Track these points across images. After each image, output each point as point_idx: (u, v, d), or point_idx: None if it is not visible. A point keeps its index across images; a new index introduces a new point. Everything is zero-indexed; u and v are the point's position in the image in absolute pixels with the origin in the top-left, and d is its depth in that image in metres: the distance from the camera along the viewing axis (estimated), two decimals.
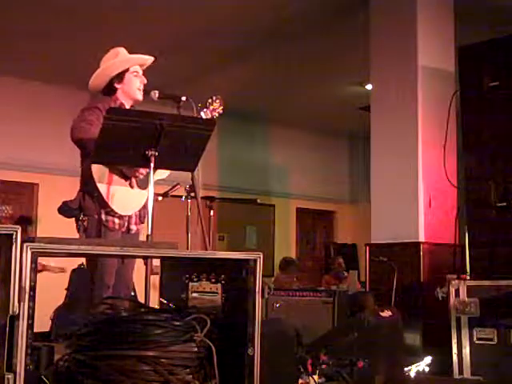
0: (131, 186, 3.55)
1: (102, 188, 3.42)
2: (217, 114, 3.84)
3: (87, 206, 3.47)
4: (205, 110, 3.77)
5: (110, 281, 3.51)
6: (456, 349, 4.15)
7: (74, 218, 3.56)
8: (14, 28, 6.57)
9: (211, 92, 3.85)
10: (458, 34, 5.61)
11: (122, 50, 3.74)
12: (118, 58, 3.69)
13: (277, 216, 10.44)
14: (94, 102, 3.66)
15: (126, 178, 3.53)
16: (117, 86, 3.68)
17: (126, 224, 3.59)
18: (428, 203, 5.29)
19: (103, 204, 3.43)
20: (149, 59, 3.76)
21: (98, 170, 3.40)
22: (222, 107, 3.84)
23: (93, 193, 3.43)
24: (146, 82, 3.73)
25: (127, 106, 3.70)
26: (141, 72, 3.73)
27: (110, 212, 3.47)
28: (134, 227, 3.63)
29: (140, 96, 3.72)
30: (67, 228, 3.67)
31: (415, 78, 5.38)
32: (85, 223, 3.50)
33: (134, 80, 3.69)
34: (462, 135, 4.75)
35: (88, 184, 3.45)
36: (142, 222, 3.60)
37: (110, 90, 3.69)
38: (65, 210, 3.52)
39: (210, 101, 3.81)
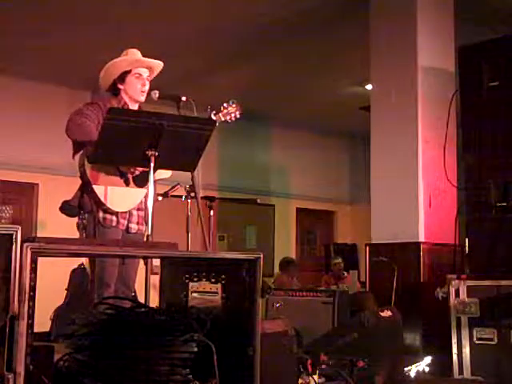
0: (126, 184, 3.56)
1: (95, 185, 3.42)
2: (233, 119, 3.84)
3: (85, 203, 3.48)
4: (215, 112, 3.77)
5: (111, 280, 3.51)
6: (456, 349, 4.14)
7: (75, 217, 3.57)
8: (14, 28, 6.57)
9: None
10: (457, 34, 5.61)
11: (132, 51, 3.74)
12: (120, 58, 3.70)
13: (277, 216, 10.44)
14: (96, 98, 3.68)
15: (122, 174, 3.53)
16: (119, 86, 3.70)
17: (126, 222, 3.59)
18: (428, 203, 5.29)
19: (97, 201, 3.44)
20: (152, 62, 3.73)
21: (90, 167, 3.41)
22: (239, 112, 3.84)
23: (88, 190, 3.44)
24: (147, 85, 3.72)
25: (131, 106, 3.71)
26: (145, 75, 3.72)
27: (107, 210, 3.48)
28: (134, 226, 3.63)
29: (142, 98, 3.72)
30: (67, 228, 3.67)
31: (415, 78, 5.37)
32: (84, 221, 3.50)
33: (135, 82, 3.69)
34: (462, 135, 4.75)
35: (84, 181, 3.46)
36: (147, 224, 3.60)
37: (114, 89, 3.71)
38: (66, 208, 3.52)
39: (225, 105, 3.82)
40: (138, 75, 3.70)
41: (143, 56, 3.75)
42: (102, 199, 3.44)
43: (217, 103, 3.88)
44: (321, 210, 11.11)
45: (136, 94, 3.70)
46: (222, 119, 3.81)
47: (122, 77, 3.69)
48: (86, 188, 3.46)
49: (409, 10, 5.48)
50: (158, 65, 3.76)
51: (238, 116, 3.85)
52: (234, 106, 3.84)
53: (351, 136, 10.77)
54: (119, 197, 3.51)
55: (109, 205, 3.46)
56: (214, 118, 3.77)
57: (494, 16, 5.85)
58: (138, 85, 3.70)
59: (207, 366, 2.39)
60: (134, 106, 3.73)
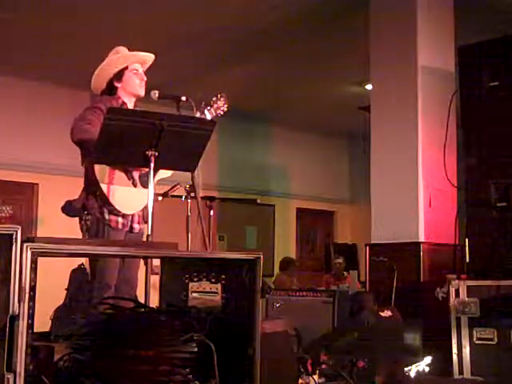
0: (134, 185, 3.56)
1: (104, 187, 3.42)
2: (221, 113, 3.85)
3: (90, 206, 3.47)
4: (209, 108, 3.78)
5: (111, 281, 3.51)
6: (456, 349, 4.14)
7: (76, 218, 3.57)
8: (14, 28, 6.57)
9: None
10: (458, 34, 5.61)
11: (122, 49, 3.75)
12: (115, 56, 3.70)
13: (277, 216, 10.44)
14: (96, 101, 3.66)
15: (129, 176, 3.53)
16: (117, 84, 3.69)
17: (130, 223, 3.59)
18: (428, 203, 5.29)
19: (106, 203, 3.43)
20: (147, 56, 3.76)
21: (99, 169, 3.41)
22: (226, 105, 3.85)
23: (96, 192, 3.44)
24: (145, 79, 3.74)
25: (129, 104, 3.71)
26: (141, 70, 3.73)
27: (113, 211, 3.47)
28: (137, 226, 3.63)
29: (141, 91, 3.72)
30: (68, 228, 3.67)
31: (415, 78, 5.38)
32: (88, 223, 3.50)
33: (133, 78, 3.70)
34: (462, 135, 4.75)
35: (90, 183, 3.46)
36: (146, 222, 3.59)
37: (111, 89, 3.70)
38: (68, 209, 3.52)
39: (214, 99, 3.83)
40: (136, 71, 3.71)
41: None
42: (111, 201, 3.43)
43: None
44: (321, 209, 11.11)
45: (135, 89, 3.70)
46: (214, 114, 3.82)
47: (119, 75, 3.68)
48: (91, 190, 3.46)
49: (409, 10, 5.48)
50: (151, 57, 3.77)
51: (225, 109, 3.86)
52: (222, 99, 3.85)
53: (351, 136, 10.77)
54: (126, 198, 3.51)
55: (117, 207, 3.46)
56: (207, 113, 3.77)
57: (494, 16, 5.85)
58: (137, 80, 3.70)
59: (207, 365, 2.39)
60: (131, 103, 3.73)
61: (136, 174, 3.58)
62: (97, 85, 3.73)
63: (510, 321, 3.97)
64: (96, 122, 3.47)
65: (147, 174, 3.46)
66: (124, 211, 3.51)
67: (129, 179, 3.54)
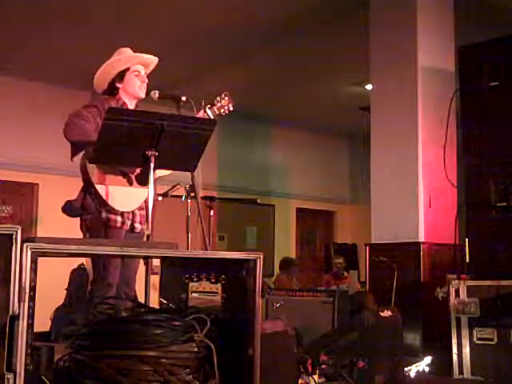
0: (130, 183, 3.55)
1: (99, 186, 3.42)
2: (227, 111, 3.85)
3: (88, 205, 3.47)
4: (209, 106, 3.78)
5: (114, 281, 3.51)
6: (456, 349, 4.15)
7: (76, 218, 3.57)
8: (14, 28, 6.57)
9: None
10: (457, 34, 5.62)
11: (126, 50, 3.75)
12: (118, 57, 3.70)
13: (277, 216, 10.44)
14: (94, 100, 3.67)
15: (124, 174, 3.53)
16: (118, 85, 3.69)
17: (130, 222, 3.59)
18: (428, 203, 5.29)
19: (102, 202, 3.43)
20: (150, 58, 3.76)
21: (92, 168, 3.41)
22: (231, 104, 3.85)
23: (92, 191, 3.44)
24: (146, 81, 3.74)
25: (130, 105, 3.71)
26: (143, 72, 3.73)
27: (111, 210, 3.47)
28: (138, 226, 3.63)
29: (142, 93, 3.72)
30: (67, 228, 3.67)
31: (415, 78, 5.38)
32: (87, 222, 3.50)
33: (135, 79, 3.70)
34: (462, 135, 4.75)
35: (87, 183, 3.46)
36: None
37: (112, 89, 3.70)
38: (68, 209, 3.52)
39: (218, 98, 3.83)
40: (137, 72, 3.71)
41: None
42: (106, 200, 3.43)
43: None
44: (321, 210, 11.11)
45: (136, 90, 3.70)
46: (217, 113, 3.82)
47: (121, 75, 3.69)
48: (88, 189, 3.46)
49: (409, 11, 5.48)
50: (154, 60, 3.77)
51: (231, 108, 3.86)
52: (226, 98, 3.85)
53: (351, 136, 10.78)
54: (123, 197, 3.51)
55: (113, 205, 3.46)
56: (209, 111, 3.77)
57: (494, 16, 5.85)
58: (138, 82, 3.70)
59: (207, 365, 2.40)
60: (132, 104, 3.73)
61: (130, 172, 3.57)
62: (99, 85, 3.74)
63: (510, 321, 3.97)
64: (90, 119, 3.48)
65: (143, 172, 3.46)
66: (120, 209, 3.51)
67: (124, 177, 3.54)
